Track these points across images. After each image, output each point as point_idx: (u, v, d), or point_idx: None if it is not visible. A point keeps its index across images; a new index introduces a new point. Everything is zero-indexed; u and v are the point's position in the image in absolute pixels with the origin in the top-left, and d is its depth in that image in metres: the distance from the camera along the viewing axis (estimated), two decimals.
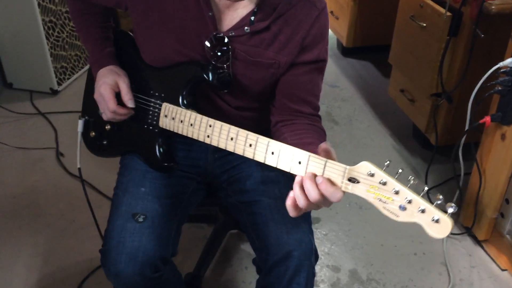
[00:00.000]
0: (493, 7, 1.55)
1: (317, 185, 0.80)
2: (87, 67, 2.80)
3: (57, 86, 2.55)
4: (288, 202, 0.84)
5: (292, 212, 0.85)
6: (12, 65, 2.53)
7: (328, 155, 0.82)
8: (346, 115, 2.47)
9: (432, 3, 1.82)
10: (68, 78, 2.65)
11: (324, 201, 0.81)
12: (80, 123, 1.28)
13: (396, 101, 2.24)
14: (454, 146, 1.66)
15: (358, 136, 2.32)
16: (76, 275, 1.59)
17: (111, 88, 1.09)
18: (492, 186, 1.62)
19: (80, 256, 1.67)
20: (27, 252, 1.68)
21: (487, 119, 1.49)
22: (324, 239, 1.76)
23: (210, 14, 1.00)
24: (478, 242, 1.75)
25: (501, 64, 1.40)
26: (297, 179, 0.84)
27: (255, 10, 1.00)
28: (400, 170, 0.80)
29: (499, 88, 1.44)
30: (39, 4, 2.32)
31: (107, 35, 1.20)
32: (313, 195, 0.80)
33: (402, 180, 0.78)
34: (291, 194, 0.84)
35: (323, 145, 0.84)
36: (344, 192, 0.81)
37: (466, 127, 1.57)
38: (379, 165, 0.79)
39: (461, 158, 1.66)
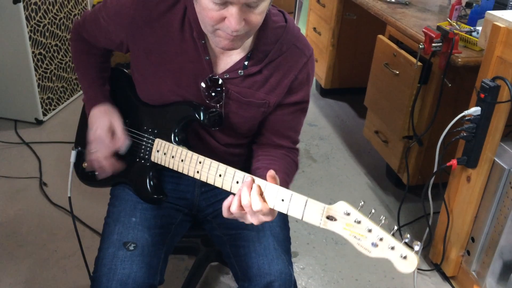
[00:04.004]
0: (459, 59, 1.69)
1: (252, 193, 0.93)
2: (72, 98, 2.86)
3: (42, 117, 2.60)
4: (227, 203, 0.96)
5: (224, 211, 0.97)
6: None
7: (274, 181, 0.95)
8: (323, 153, 2.58)
9: (404, 53, 1.97)
10: (54, 109, 2.70)
11: (251, 211, 0.93)
12: (73, 154, 1.31)
13: (370, 141, 2.36)
14: (424, 187, 1.77)
15: (334, 174, 2.42)
16: None
17: (107, 131, 1.16)
18: (459, 225, 1.72)
19: (62, 285, 1.69)
20: (8, 281, 1.69)
21: (454, 162, 1.61)
22: (301, 273, 1.82)
23: (207, 58, 1.09)
24: (447, 278, 1.84)
25: (466, 112, 1.53)
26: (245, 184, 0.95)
27: (249, 55, 1.10)
28: (373, 210, 0.89)
29: (464, 134, 1.56)
30: (30, 37, 2.40)
31: (103, 75, 1.27)
32: (245, 200, 0.93)
33: (375, 219, 0.87)
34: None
35: (270, 172, 0.96)
36: (268, 207, 0.93)
37: (435, 169, 1.68)
38: (354, 202, 0.88)
39: (430, 198, 1.77)
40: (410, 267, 0.83)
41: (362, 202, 0.88)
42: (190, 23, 1.08)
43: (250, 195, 0.93)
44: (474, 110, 1.51)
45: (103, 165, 1.18)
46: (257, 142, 1.22)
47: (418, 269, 1.87)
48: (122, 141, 1.16)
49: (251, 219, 0.95)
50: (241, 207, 0.94)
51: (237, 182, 0.98)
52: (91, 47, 1.26)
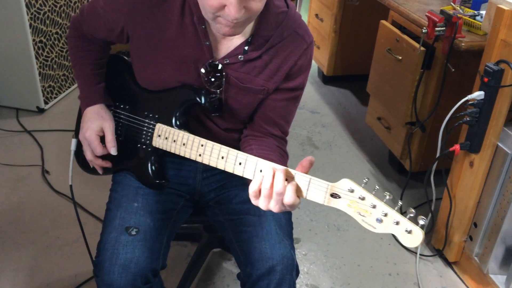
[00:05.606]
0: (462, 44, 1.67)
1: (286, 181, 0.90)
2: (74, 86, 2.85)
3: (44, 105, 2.60)
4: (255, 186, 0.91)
5: (253, 198, 0.93)
6: (0, 83, 2.56)
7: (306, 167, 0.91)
8: (326, 141, 2.57)
9: (407, 38, 1.95)
10: (55, 97, 2.70)
11: (280, 200, 0.89)
12: (74, 142, 1.31)
13: (373, 128, 2.35)
14: (427, 172, 1.76)
15: (337, 161, 2.41)
16: None
17: (96, 134, 1.17)
18: (461, 211, 1.72)
19: (65, 272, 1.69)
20: (11, 267, 1.70)
21: (456, 147, 1.60)
22: (303, 259, 1.82)
23: (207, 43, 1.08)
24: (449, 264, 1.84)
25: (469, 97, 1.52)
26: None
27: (249, 40, 1.09)
28: (376, 187, 0.89)
29: (468, 118, 1.55)
30: (30, 25, 2.38)
31: (99, 71, 1.25)
32: (279, 187, 0.89)
33: (379, 196, 0.87)
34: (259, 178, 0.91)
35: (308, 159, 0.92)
36: (299, 201, 0.90)
37: (437, 155, 1.68)
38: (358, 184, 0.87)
39: (433, 184, 1.76)
40: (416, 241, 0.83)
41: (366, 179, 0.88)
42: (190, 8, 1.06)
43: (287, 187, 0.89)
44: (478, 95, 1.50)
45: (94, 164, 1.21)
46: (248, 128, 1.20)
47: (421, 254, 1.87)
48: (109, 148, 1.16)
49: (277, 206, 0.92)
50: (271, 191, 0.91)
51: (240, 164, 0.98)
52: (89, 44, 1.24)
